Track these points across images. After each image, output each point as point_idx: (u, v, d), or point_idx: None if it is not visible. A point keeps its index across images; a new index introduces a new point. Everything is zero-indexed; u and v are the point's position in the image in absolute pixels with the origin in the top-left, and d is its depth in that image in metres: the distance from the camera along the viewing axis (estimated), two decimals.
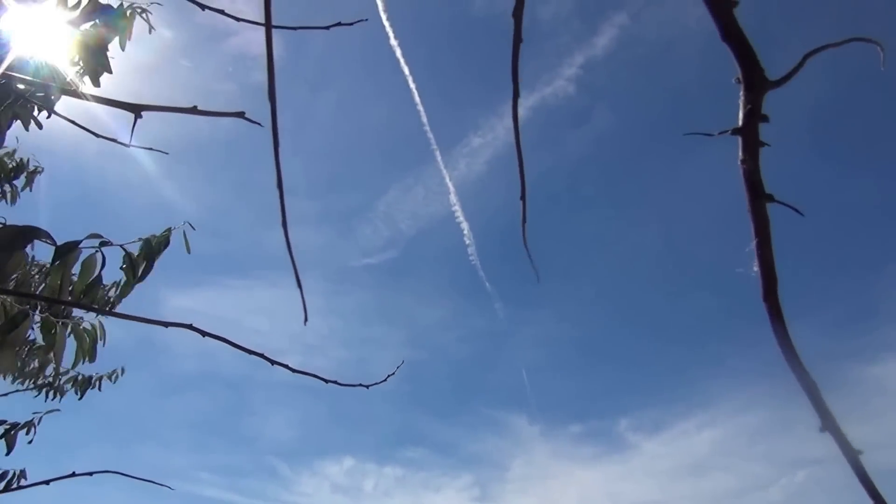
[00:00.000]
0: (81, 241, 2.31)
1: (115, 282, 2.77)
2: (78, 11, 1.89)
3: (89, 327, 2.35)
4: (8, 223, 2.39)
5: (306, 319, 0.81)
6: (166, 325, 2.16)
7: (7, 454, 3.49)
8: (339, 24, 1.84)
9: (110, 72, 2.06)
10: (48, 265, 3.67)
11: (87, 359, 2.39)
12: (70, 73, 2.01)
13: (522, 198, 0.87)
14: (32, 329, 2.38)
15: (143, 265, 2.35)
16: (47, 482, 2.14)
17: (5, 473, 3.44)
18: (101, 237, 2.37)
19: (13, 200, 3.38)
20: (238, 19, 1.62)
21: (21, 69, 2.18)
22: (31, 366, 4.33)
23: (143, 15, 1.97)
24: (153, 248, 2.23)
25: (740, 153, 0.67)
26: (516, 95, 0.77)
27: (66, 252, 2.29)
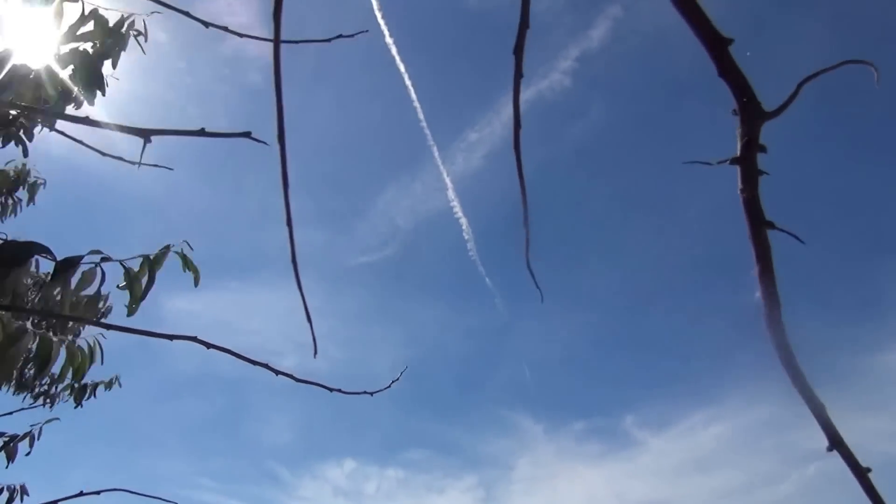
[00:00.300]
0: (82, 258, 2.32)
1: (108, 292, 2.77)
2: (76, 31, 1.90)
3: (85, 345, 2.36)
4: (9, 238, 2.41)
5: (316, 352, 0.83)
6: (171, 338, 2.17)
7: (7, 466, 3.50)
8: (340, 36, 1.85)
9: (104, 92, 2.07)
10: (44, 276, 3.68)
11: (78, 377, 2.39)
12: (73, 90, 2.02)
13: (525, 223, 0.89)
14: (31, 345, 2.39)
15: (146, 280, 2.36)
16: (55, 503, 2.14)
17: (6, 489, 3.44)
18: (102, 253, 2.38)
19: (14, 213, 3.39)
20: (242, 35, 1.64)
21: (19, 88, 2.19)
22: (27, 375, 4.35)
23: (139, 38, 1.98)
24: (153, 266, 2.24)
25: (739, 182, 0.69)
26: (517, 126, 0.79)
27: (66, 268, 2.30)
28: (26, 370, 4.19)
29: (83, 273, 2.17)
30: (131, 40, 2.11)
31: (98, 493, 2.10)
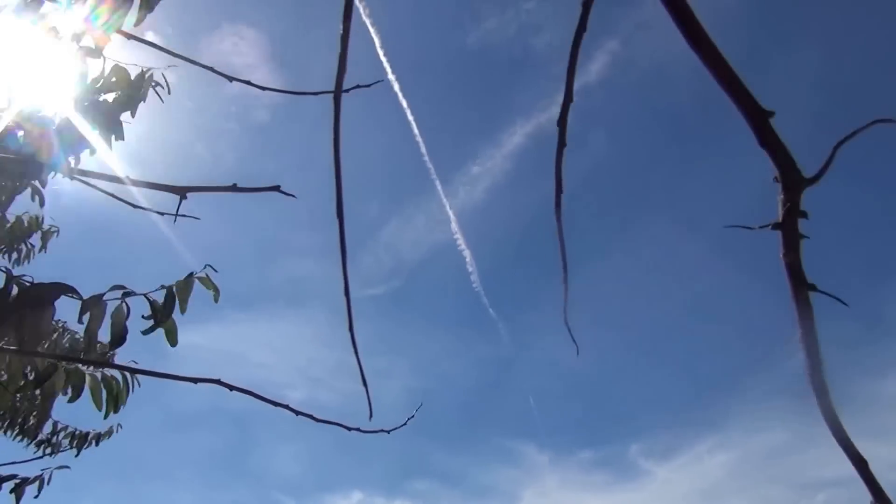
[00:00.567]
0: (105, 294, 2.34)
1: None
2: (99, 83, 1.94)
3: (120, 376, 2.36)
4: (35, 281, 2.43)
5: (371, 415, 0.84)
6: (195, 381, 2.18)
7: None
8: (357, 86, 1.89)
9: (123, 139, 2.11)
10: (60, 323, 3.71)
11: (113, 410, 2.40)
12: (89, 138, 2.06)
13: (564, 281, 0.91)
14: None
15: (175, 304, 2.35)
16: None
17: None
18: (125, 288, 2.40)
19: (28, 259, 3.42)
20: (264, 88, 1.67)
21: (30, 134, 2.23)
22: (30, 422, 4.37)
23: (157, 88, 2.02)
24: (182, 293, 2.25)
25: (781, 247, 0.71)
26: (559, 191, 0.81)
27: (91, 306, 2.32)
28: (31, 417, 4.22)
29: (114, 310, 2.18)
30: (150, 91, 2.15)
31: None
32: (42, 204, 2.45)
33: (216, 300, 2.55)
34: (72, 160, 2.33)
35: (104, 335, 2.35)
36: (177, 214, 1.36)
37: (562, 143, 0.76)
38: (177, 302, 2.36)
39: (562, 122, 0.74)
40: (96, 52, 2.16)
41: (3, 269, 2.46)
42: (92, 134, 2.21)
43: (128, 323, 2.36)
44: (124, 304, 2.34)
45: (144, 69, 2.00)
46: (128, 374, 2.42)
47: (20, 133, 2.31)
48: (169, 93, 2.02)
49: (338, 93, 0.65)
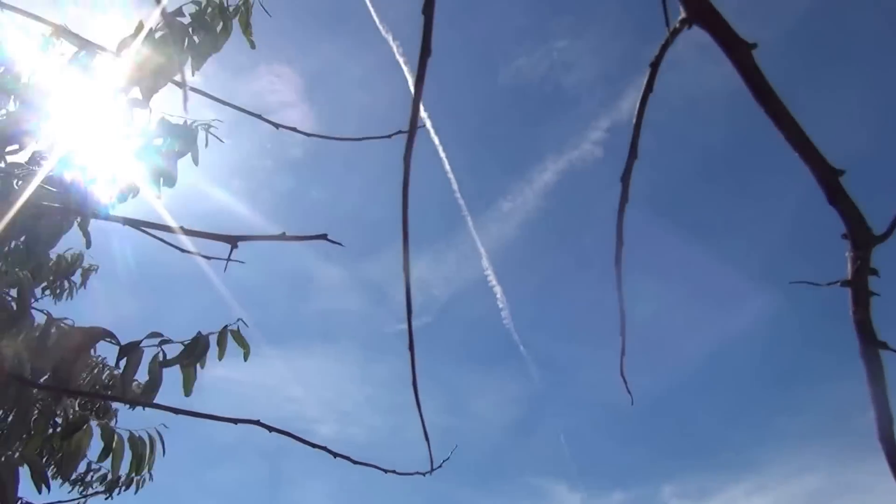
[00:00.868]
0: (142, 341, 2.39)
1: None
2: (149, 131, 2.00)
3: (146, 437, 2.39)
4: (75, 324, 2.48)
5: (432, 468, 0.83)
6: (235, 422, 2.19)
7: None
8: (399, 132, 1.93)
9: (173, 186, 2.17)
10: (100, 358, 3.77)
11: (141, 470, 2.41)
12: (139, 187, 2.12)
13: (622, 333, 0.91)
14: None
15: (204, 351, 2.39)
16: None
17: None
18: (161, 335, 2.44)
19: (71, 296, 3.50)
20: (309, 135, 1.71)
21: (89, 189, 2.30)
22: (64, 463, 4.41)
23: (208, 132, 2.08)
24: (220, 343, 2.28)
25: (851, 305, 0.70)
26: (620, 244, 0.81)
27: (128, 351, 2.36)
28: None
29: (151, 360, 2.22)
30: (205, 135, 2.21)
31: None
32: (88, 245, 2.51)
33: (246, 358, 2.59)
34: (117, 204, 2.41)
35: (141, 374, 2.40)
36: (228, 260, 1.39)
37: (624, 199, 0.77)
38: (209, 349, 2.40)
39: (625, 178, 0.74)
40: (144, 102, 2.23)
41: (45, 312, 2.52)
42: (142, 180, 2.28)
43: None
44: (161, 350, 2.39)
45: (187, 120, 2.06)
46: (156, 436, 2.44)
47: (70, 176, 2.39)
48: (221, 141, 2.07)
49: (407, 157, 0.66)
